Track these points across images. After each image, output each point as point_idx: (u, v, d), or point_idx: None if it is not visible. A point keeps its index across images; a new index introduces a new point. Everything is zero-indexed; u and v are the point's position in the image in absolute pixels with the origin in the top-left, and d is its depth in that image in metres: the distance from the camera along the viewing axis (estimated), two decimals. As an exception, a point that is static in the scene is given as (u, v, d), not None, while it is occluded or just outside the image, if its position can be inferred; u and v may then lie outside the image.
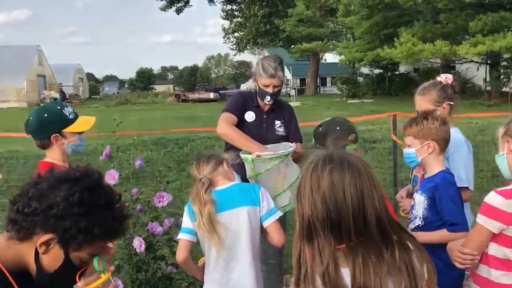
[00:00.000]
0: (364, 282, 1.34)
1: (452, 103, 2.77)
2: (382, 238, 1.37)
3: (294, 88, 37.17)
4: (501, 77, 21.85)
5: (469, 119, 11.85)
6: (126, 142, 6.92)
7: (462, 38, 22.10)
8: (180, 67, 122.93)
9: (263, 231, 2.47)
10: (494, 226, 1.92)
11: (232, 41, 49.84)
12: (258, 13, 43.29)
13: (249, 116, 3.13)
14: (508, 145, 2.06)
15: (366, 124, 11.34)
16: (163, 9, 46.49)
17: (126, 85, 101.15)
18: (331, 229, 1.35)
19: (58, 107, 2.52)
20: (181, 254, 2.46)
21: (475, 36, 19.72)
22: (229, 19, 48.78)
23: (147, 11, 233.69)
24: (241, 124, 3.10)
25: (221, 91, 39.45)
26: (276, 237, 2.43)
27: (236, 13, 48.39)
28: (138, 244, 3.27)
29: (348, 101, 30.00)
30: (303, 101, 30.39)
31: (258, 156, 2.75)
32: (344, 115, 16.73)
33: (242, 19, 46.88)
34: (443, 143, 2.44)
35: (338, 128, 2.57)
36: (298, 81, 51.30)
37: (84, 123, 2.56)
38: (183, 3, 46.61)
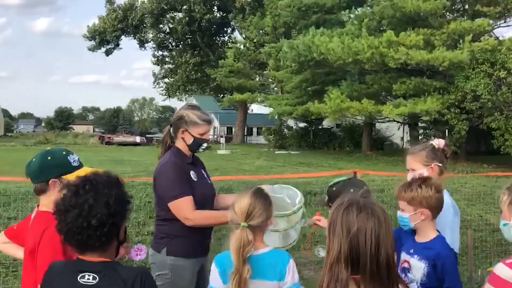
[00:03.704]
0: None
1: (440, 164, 2.89)
2: (388, 278, 1.68)
3: (222, 136, 37.41)
4: (420, 137, 23.37)
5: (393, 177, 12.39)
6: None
7: (385, 99, 23.52)
8: (102, 108, 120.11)
9: None
10: None
11: (162, 87, 49.85)
12: (190, 61, 43.83)
13: (193, 176, 3.04)
14: None
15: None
16: (92, 49, 45.77)
17: (43, 124, 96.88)
18: (351, 263, 1.66)
19: (64, 153, 2.45)
20: None
21: (397, 98, 21.09)
22: (160, 64, 48.89)
23: (71, 50, 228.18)
24: (191, 187, 2.99)
25: (147, 135, 38.78)
26: None
27: (167, 59, 48.65)
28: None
29: (276, 152, 30.59)
30: (232, 150, 30.64)
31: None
32: (274, 165, 16.82)
33: (173, 66, 47.17)
34: (436, 211, 2.51)
35: (352, 190, 2.60)
36: (225, 130, 51.85)
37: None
38: (113, 45, 46.20)
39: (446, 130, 19.71)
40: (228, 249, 2.26)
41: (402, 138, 31.91)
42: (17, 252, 2.50)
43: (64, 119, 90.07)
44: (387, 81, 21.80)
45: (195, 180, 3.00)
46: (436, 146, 2.96)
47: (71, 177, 2.32)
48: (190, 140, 3.03)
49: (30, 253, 2.23)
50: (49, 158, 2.38)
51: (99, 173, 1.83)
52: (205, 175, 3.19)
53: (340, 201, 1.80)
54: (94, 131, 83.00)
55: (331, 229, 1.74)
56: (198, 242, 2.98)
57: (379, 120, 27.73)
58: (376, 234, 1.67)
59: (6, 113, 78.31)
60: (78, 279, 1.73)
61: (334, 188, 2.63)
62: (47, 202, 2.33)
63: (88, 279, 1.73)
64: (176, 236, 2.90)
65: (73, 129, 77.17)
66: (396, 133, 32.16)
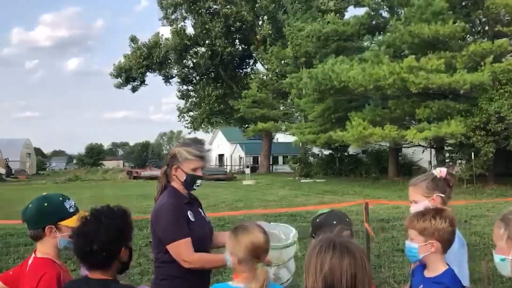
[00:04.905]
0: None
1: (442, 195, 2.82)
2: None
3: (248, 166, 37.46)
4: (447, 160, 22.99)
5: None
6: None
7: (409, 123, 23.31)
8: (132, 143, 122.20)
9: None
10: None
11: (187, 120, 50.54)
12: (213, 93, 44.46)
13: (191, 216, 2.99)
14: None
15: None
16: (118, 86, 46.86)
17: (75, 161, 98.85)
18: None
19: (60, 198, 2.45)
20: None
21: (421, 122, 20.90)
22: (185, 98, 49.70)
23: (101, 88, 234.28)
24: (189, 227, 2.95)
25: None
26: None
27: (191, 93, 49.46)
28: None
29: (301, 180, 30.48)
30: (257, 180, 30.64)
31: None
32: (298, 194, 16.73)
33: (197, 99, 47.88)
34: (447, 244, 2.42)
35: (335, 222, 2.59)
36: (251, 159, 52.01)
37: None
38: (139, 82, 47.20)
39: (473, 153, 19.34)
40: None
41: (430, 162, 31.41)
42: None
43: (94, 155, 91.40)
44: (410, 106, 21.66)
45: (193, 220, 2.97)
46: (438, 176, 2.90)
47: (69, 223, 2.37)
48: (183, 177, 3.00)
49: None
50: (45, 204, 2.38)
51: (108, 206, 2.21)
52: (202, 214, 3.16)
53: (315, 241, 1.78)
54: (124, 166, 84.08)
55: (306, 270, 1.73)
56: (198, 282, 2.97)
57: (404, 145, 27.43)
58: (352, 273, 1.65)
59: (38, 151, 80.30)
60: None
61: (318, 220, 2.63)
62: (44, 248, 2.37)
63: None
64: (176, 277, 2.89)
65: (104, 165, 78.29)
66: (424, 157, 31.67)
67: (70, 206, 2.44)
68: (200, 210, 3.18)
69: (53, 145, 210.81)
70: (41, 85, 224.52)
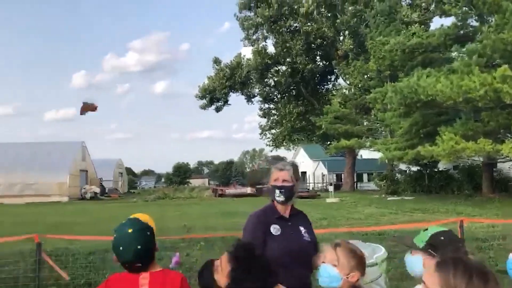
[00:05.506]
0: None
1: None
2: None
3: (331, 184, 36.94)
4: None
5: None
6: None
7: (504, 137, 21.87)
8: (216, 162, 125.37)
9: None
10: None
11: (269, 138, 50.99)
12: (294, 110, 44.58)
13: (275, 230, 3.02)
14: None
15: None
16: (204, 107, 48.31)
17: (163, 179, 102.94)
18: None
19: (138, 221, 2.45)
20: None
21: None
22: (266, 117, 50.26)
23: (186, 109, 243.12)
24: (268, 239, 2.98)
25: (257, 186, 39.42)
26: None
27: (273, 111, 49.94)
28: None
29: (388, 198, 29.52)
30: (341, 197, 30.11)
31: None
32: (385, 212, 16.21)
33: (279, 117, 48.24)
34: None
35: (460, 244, 2.47)
36: (334, 177, 51.26)
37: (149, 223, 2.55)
38: (223, 102, 48.41)
39: None
40: None
41: (529, 178, 29.26)
42: None
43: (181, 174, 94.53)
44: (505, 118, 20.36)
45: (276, 234, 2.99)
46: None
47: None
48: (270, 190, 3.15)
49: None
50: (148, 233, 2.37)
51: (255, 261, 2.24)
52: (302, 232, 3.12)
53: (465, 270, 1.60)
54: (209, 184, 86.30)
55: None
56: None
57: (500, 160, 25.75)
58: None
59: (129, 171, 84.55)
60: None
61: (442, 238, 2.47)
62: (155, 263, 2.42)
63: None
64: None
65: (190, 183, 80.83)
66: (522, 172, 29.61)
67: (137, 218, 2.51)
68: (302, 227, 3.16)
69: (143, 164, 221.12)
70: (131, 107, 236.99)
